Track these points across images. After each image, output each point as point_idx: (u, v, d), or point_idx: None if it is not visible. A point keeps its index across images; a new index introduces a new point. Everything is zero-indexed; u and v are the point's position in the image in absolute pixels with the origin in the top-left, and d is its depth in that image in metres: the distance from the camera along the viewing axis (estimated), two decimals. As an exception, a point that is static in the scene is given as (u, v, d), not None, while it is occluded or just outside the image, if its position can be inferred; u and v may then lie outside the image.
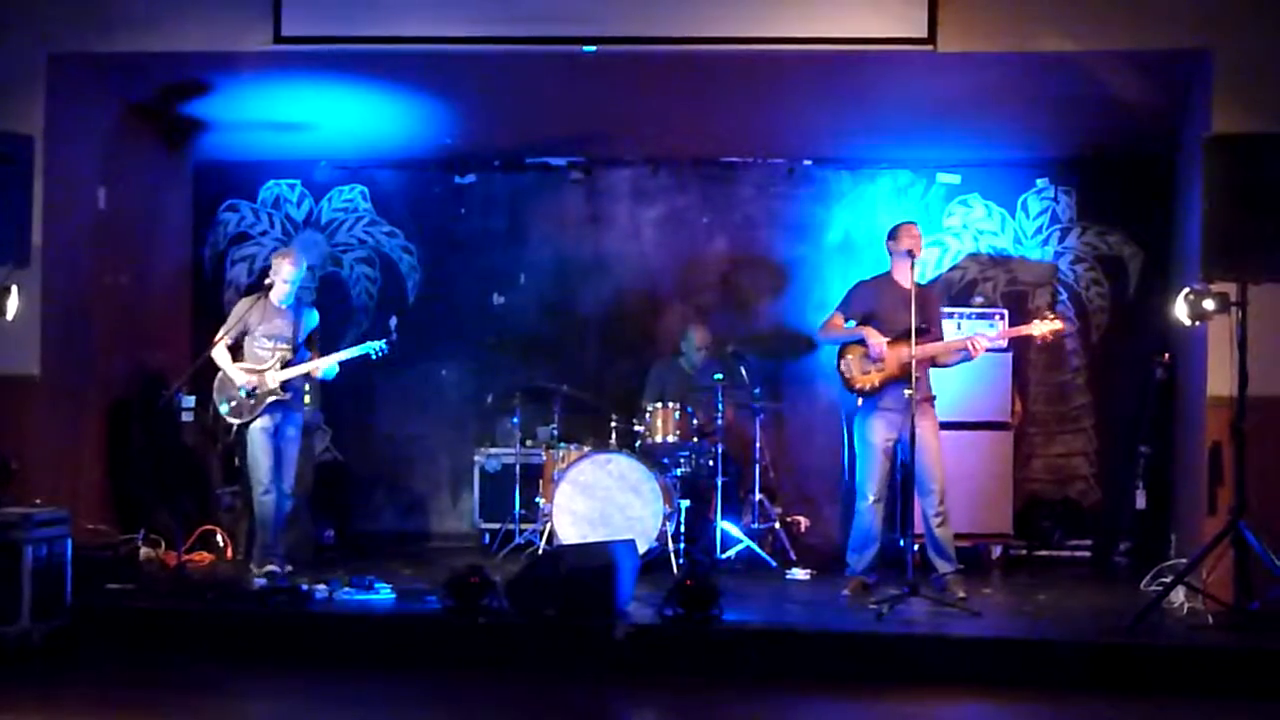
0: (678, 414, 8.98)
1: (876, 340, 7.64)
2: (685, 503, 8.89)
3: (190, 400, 9.23)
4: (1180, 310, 7.05)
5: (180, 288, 10.30)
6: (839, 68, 8.30)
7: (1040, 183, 10.24)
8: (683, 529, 8.83)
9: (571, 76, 8.69)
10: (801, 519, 9.83)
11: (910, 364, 7.44)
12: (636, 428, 9.06)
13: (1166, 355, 9.13)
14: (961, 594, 7.50)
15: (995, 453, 9.33)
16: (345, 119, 9.66)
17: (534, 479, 9.49)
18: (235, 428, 8.14)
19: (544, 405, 9.63)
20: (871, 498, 7.69)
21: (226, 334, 8.14)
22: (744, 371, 9.41)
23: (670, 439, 8.95)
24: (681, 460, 9.07)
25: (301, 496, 8.72)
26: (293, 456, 8.27)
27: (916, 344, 7.38)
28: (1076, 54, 7.81)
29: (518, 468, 9.56)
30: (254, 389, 8.03)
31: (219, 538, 8.91)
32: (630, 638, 6.67)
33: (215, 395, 8.16)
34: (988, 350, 7.94)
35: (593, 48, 7.95)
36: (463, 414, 10.53)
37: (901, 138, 9.72)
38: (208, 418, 8.47)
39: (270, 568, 7.97)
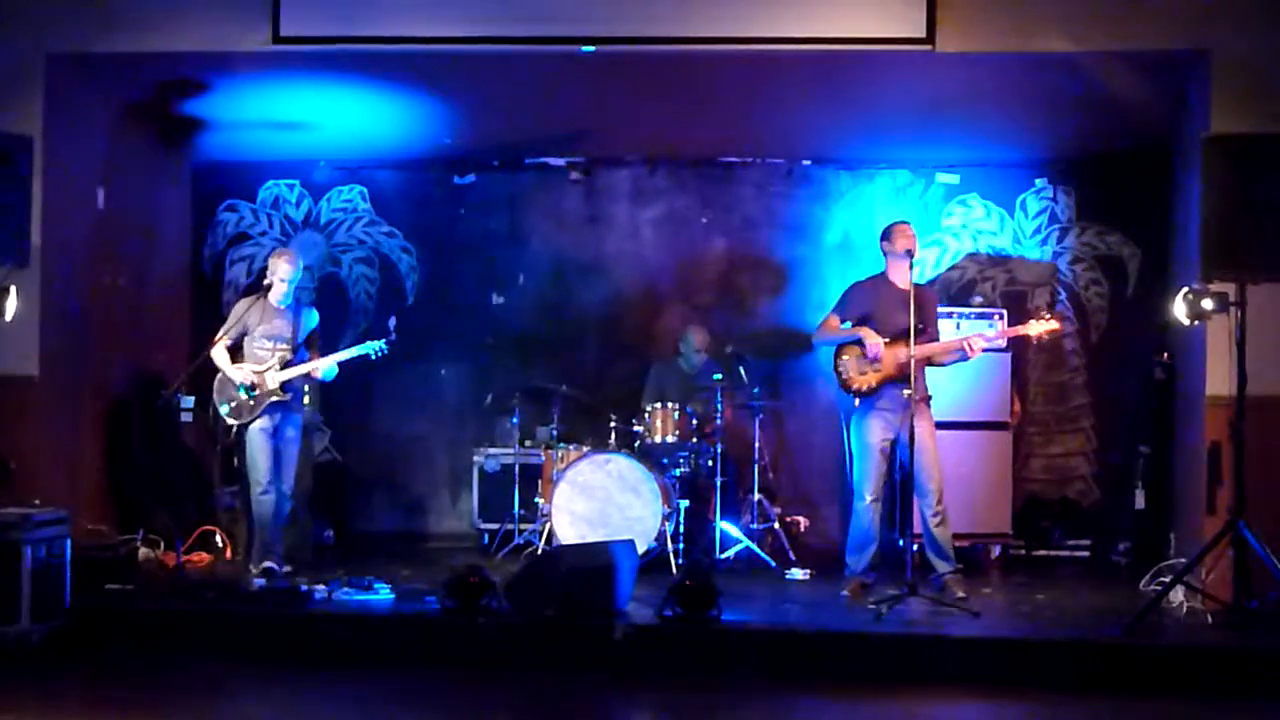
0: (677, 414, 8.99)
1: (874, 341, 7.64)
2: (684, 503, 8.90)
3: (189, 401, 9.23)
4: (1179, 310, 7.04)
5: (179, 288, 10.30)
6: (838, 68, 8.30)
7: (1039, 182, 10.25)
8: (682, 529, 8.84)
9: (570, 76, 8.69)
10: (800, 519, 9.85)
11: (906, 364, 7.46)
12: (636, 428, 9.06)
13: (1165, 355, 9.13)
14: (961, 594, 7.50)
15: (994, 452, 9.33)
16: (344, 119, 9.66)
17: (533, 479, 9.49)
18: (235, 428, 8.14)
19: (543, 405, 9.64)
20: (869, 498, 7.69)
21: (225, 335, 8.13)
22: (743, 372, 9.43)
23: (669, 439, 8.96)
24: (681, 460, 9.07)
25: (300, 497, 8.72)
26: (292, 457, 8.26)
27: (909, 343, 7.41)
28: (1075, 54, 7.81)
29: (517, 468, 9.56)
30: (253, 390, 8.03)
31: (218, 538, 8.91)
32: (629, 638, 6.68)
33: (215, 397, 8.16)
34: (984, 350, 7.94)
35: (591, 48, 7.94)
36: (462, 414, 10.54)
37: (900, 138, 9.73)
38: (207, 418, 8.46)
39: (267, 564, 7.97)
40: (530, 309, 10.57)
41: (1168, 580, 7.17)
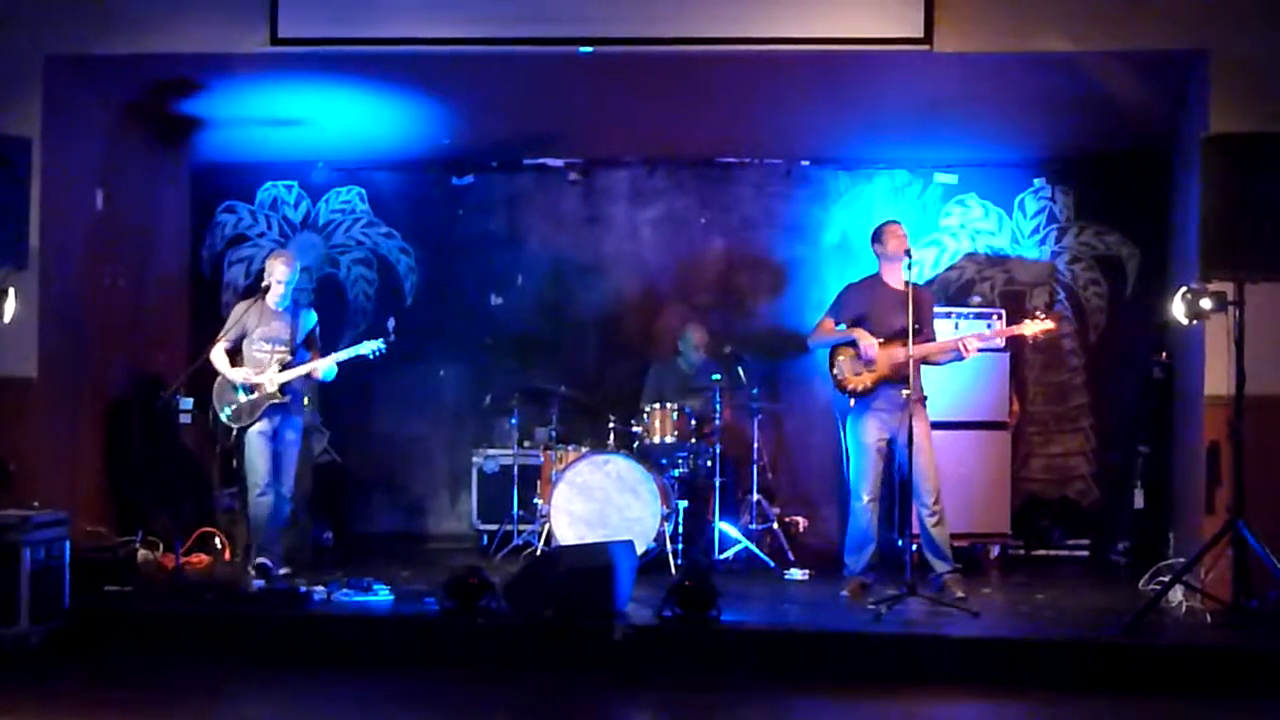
0: (676, 415, 8.99)
1: (868, 342, 7.65)
2: (683, 503, 8.90)
3: (188, 402, 9.22)
4: (1178, 309, 7.05)
5: (178, 289, 10.30)
6: (836, 68, 8.30)
7: (1037, 182, 10.25)
8: (681, 530, 8.85)
9: (568, 77, 8.69)
10: (799, 519, 9.85)
11: (901, 364, 7.48)
12: (634, 428, 9.07)
13: (1164, 354, 9.13)
14: (960, 594, 7.50)
15: (993, 452, 9.33)
16: (342, 120, 9.65)
17: (532, 480, 9.49)
18: (234, 431, 8.13)
19: (542, 406, 9.63)
20: (866, 498, 7.70)
21: (224, 337, 8.13)
22: (742, 372, 9.43)
23: (668, 440, 8.96)
24: (679, 461, 9.07)
25: (300, 498, 8.71)
26: (292, 460, 8.26)
27: (904, 343, 7.42)
28: (1073, 54, 7.81)
29: (516, 469, 9.56)
30: (253, 392, 8.03)
31: (217, 540, 8.90)
32: (628, 638, 6.68)
33: (215, 401, 8.16)
34: (980, 350, 7.94)
35: (589, 48, 7.94)
36: (461, 415, 10.55)
37: (898, 138, 9.73)
38: (206, 420, 8.46)
39: (261, 560, 7.96)
40: (529, 310, 10.57)
41: (1167, 580, 7.18)
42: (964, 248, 10.29)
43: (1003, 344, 9.17)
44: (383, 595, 7.49)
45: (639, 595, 7.31)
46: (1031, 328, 7.71)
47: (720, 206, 10.55)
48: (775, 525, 9.34)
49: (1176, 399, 8.84)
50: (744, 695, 6.29)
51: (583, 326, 10.52)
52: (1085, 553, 9.92)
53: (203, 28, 8.05)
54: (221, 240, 10.72)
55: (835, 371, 7.82)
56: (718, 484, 9.00)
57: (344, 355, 8.16)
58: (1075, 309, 10.17)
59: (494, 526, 9.63)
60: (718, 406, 9.00)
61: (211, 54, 8.15)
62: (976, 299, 9.94)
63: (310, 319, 8.32)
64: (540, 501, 9.13)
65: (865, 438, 7.72)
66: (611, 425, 9.12)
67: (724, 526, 8.99)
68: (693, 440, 9.04)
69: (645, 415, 9.04)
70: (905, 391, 7.41)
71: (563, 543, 8.34)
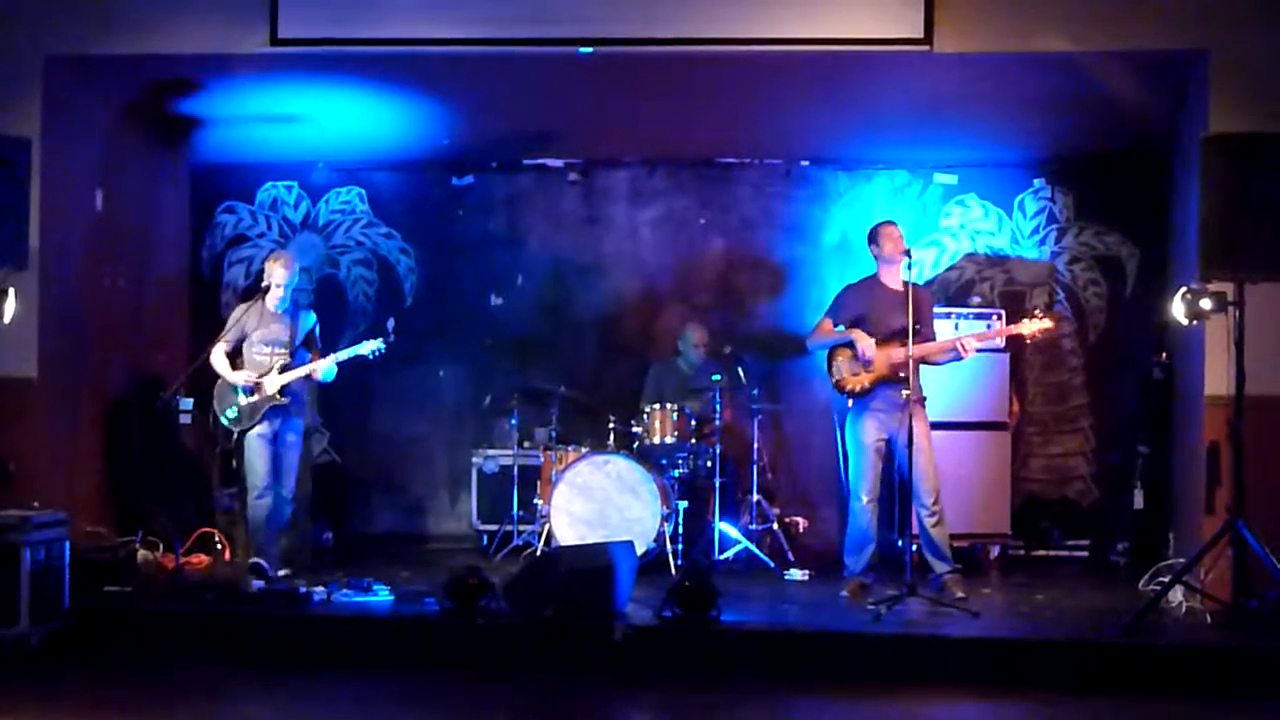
0: (675, 415, 8.99)
1: (865, 343, 7.65)
2: (683, 504, 8.90)
3: (188, 402, 9.22)
4: (1177, 310, 7.05)
5: (178, 290, 10.30)
6: (835, 68, 8.30)
7: (1037, 183, 10.25)
8: (681, 530, 8.85)
9: (568, 78, 8.69)
10: (799, 520, 9.85)
11: (899, 364, 7.50)
12: (634, 429, 9.07)
13: (1164, 355, 9.13)
14: (960, 594, 7.50)
15: (993, 453, 9.32)
16: (342, 121, 9.65)
17: (532, 480, 9.49)
18: (235, 434, 8.12)
19: (542, 406, 9.63)
20: (865, 498, 7.70)
21: (224, 340, 8.13)
22: (742, 372, 9.43)
23: (668, 440, 8.96)
24: (679, 461, 9.07)
25: (300, 500, 8.71)
26: (293, 462, 8.25)
27: (902, 344, 7.43)
28: (1073, 54, 7.81)
29: (515, 469, 9.55)
30: (253, 395, 8.02)
31: (217, 540, 8.89)
32: (628, 639, 6.68)
33: (215, 403, 8.15)
34: (978, 350, 7.94)
35: (589, 49, 7.94)
36: (460, 415, 10.55)
37: (898, 138, 9.73)
38: (206, 421, 8.46)
39: (254, 560, 7.95)
40: (529, 310, 10.57)
41: (1167, 580, 7.18)
42: (964, 248, 10.29)
43: (1002, 344, 9.18)
44: (382, 596, 7.50)
45: (639, 595, 7.31)
46: (1029, 327, 7.70)
47: (720, 207, 10.55)
48: (775, 526, 9.34)
49: (1176, 399, 8.84)
50: (744, 695, 6.29)
51: (582, 327, 10.52)
52: (1085, 553, 9.92)
53: (203, 28, 8.05)
54: (221, 241, 10.72)
55: (833, 372, 7.84)
56: (718, 484, 9.00)
57: (343, 356, 8.17)
58: (1075, 309, 10.17)
59: (494, 527, 9.63)
60: (717, 407, 9.00)
61: (211, 54, 8.15)
62: (976, 299, 9.94)
63: (309, 320, 8.32)
64: (540, 502, 9.12)
65: (864, 438, 7.73)
66: (611, 425, 9.12)
67: (724, 527, 8.99)
68: (693, 441, 9.04)
69: (645, 416, 9.04)
70: (904, 392, 7.42)
71: (563, 543, 8.34)
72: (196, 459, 9.39)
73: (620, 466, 8.55)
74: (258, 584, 7.69)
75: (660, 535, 8.51)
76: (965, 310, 9.57)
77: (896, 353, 7.56)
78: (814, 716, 6.22)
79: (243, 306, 8.27)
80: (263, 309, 8.17)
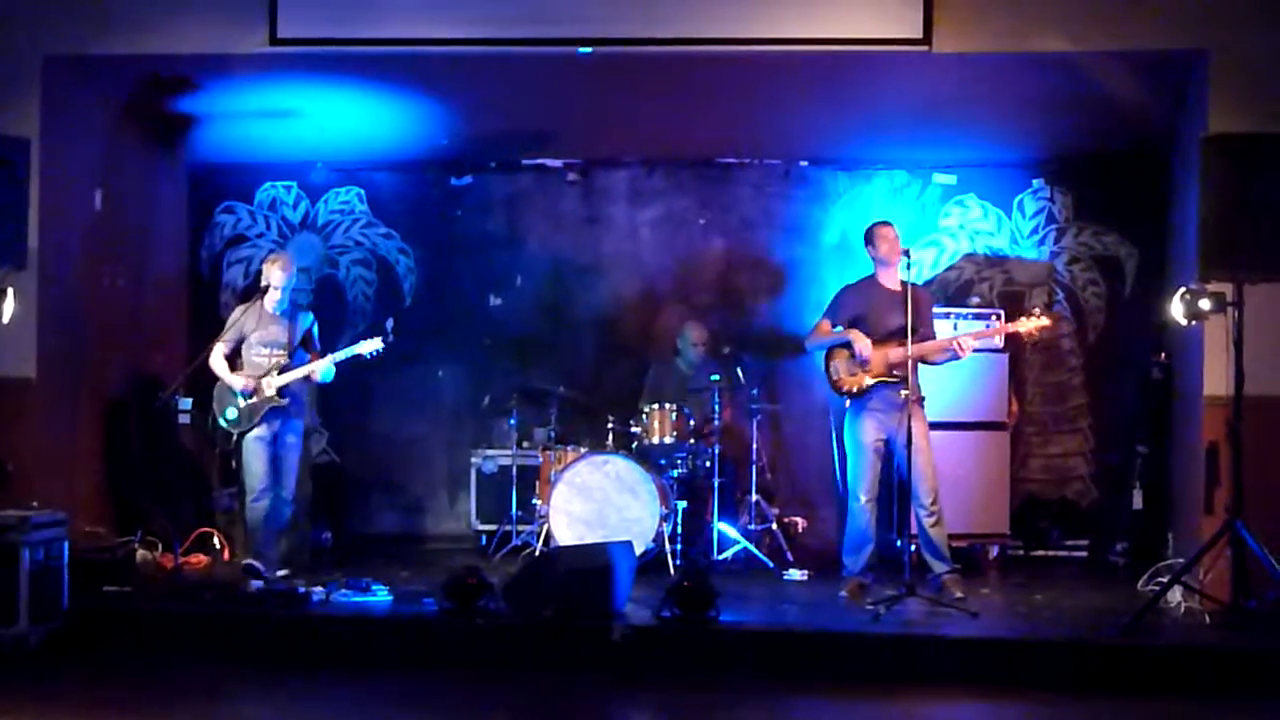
0: (674, 415, 8.99)
1: (862, 343, 7.66)
2: (682, 504, 8.90)
3: (187, 403, 9.21)
4: (1176, 310, 7.05)
5: (177, 290, 10.30)
6: (835, 68, 8.31)
7: (1036, 183, 10.24)
8: (680, 530, 8.84)
9: (568, 78, 8.69)
10: (798, 520, 9.84)
11: (896, 364, 7.51)
12: (633, 429, 9.06)
13: (1163, 355, 9.13)
14: (958, 594, 7.51)
15: (992, 453, 9.32)
16: (341, 121, 9.65)
17: (531, 480, 9.48)
18: (234, 436, 8.12)
19: (541, 407, 9.63)
20: (864, 498, 7.70)
21: (222, 341, 8.13)
22: (741, 372, 9.43)
23: (667, 440, 8.95)
24: (678, 461, 9.07)
25: (300, 500, 8.70)
26: (293, 464, 8.24)
27: (900, 343, 7.42)
28: (1072, 54, 7.81)
29: (514, 469, 9.55)
30: (252, 397, 8.01)
31: (216, 540, 8.91)
32: (627, 639, 6.68)
33: (215, 405, 8.14)
34: (976, 350, 7.95)
35: (588, 49, 7.94)
36: (459, 415, 10.54)
37: (897, 138, 9.73)
38: (206, 425, 8.46)
39: (249, 562, 7.94)
40: (528, 310, 10.56)
41: (1166, 580, 7.18)
42: (963, 248, 10.28)
43: (1001, 344, 9.18)
44: (381, 596, 7.50)
45: (638, 596, 7.31)
46: (1027, 325, 7.69)
47: (719, 207, 10.54)
48: (774, 526, 9.34)
49: (1175, 399, 8.84)
50: (743, 695, 6.29)
51: (581, 327, 10.51)
52: (1084, 553, 9.91)
53: (201, 28, 8.06)
54: (220, 240, 10.71)
55: (831, 373, 7.85)
56: (716, 484, 9.00)
57: (341, 356, 8.16)
58: (1074, 309, 10.16)
59: (493, 527, 9.63)
60: (716, 407, 8.99)
61: (210, 54, 8.16)
62: (975, 300, 9.93)
63: (307, 321, 8.31)
64: (539, 502, 9.11)
65: (862, 438, 7.73)
66: (610, 426, 9.11)
67: (723, 527, 8.99)
68: (692, 441, 9.04)
69: (644, 416, 9.04)
70: (903, 392, 7.42)
71: (561, 543, 8.33)
72: (195, 459, 9.40)
73: (619, 466, 8.55)
74: (256, 584, 7.70)
75: (659, 535, 8.51)
76: (964, 310, 9.56)
77: (894, 352, 7.57)
78: (813, 716, 6.22)
79: (241, 308, 8.26)
80: (261, 310, 8.16)
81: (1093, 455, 10.13)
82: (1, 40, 8.09)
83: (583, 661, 6.67)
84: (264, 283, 8.15)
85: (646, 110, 9.33)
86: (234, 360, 8.20)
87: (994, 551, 9.40)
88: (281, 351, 8.11)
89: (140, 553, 8.37)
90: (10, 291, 7.20)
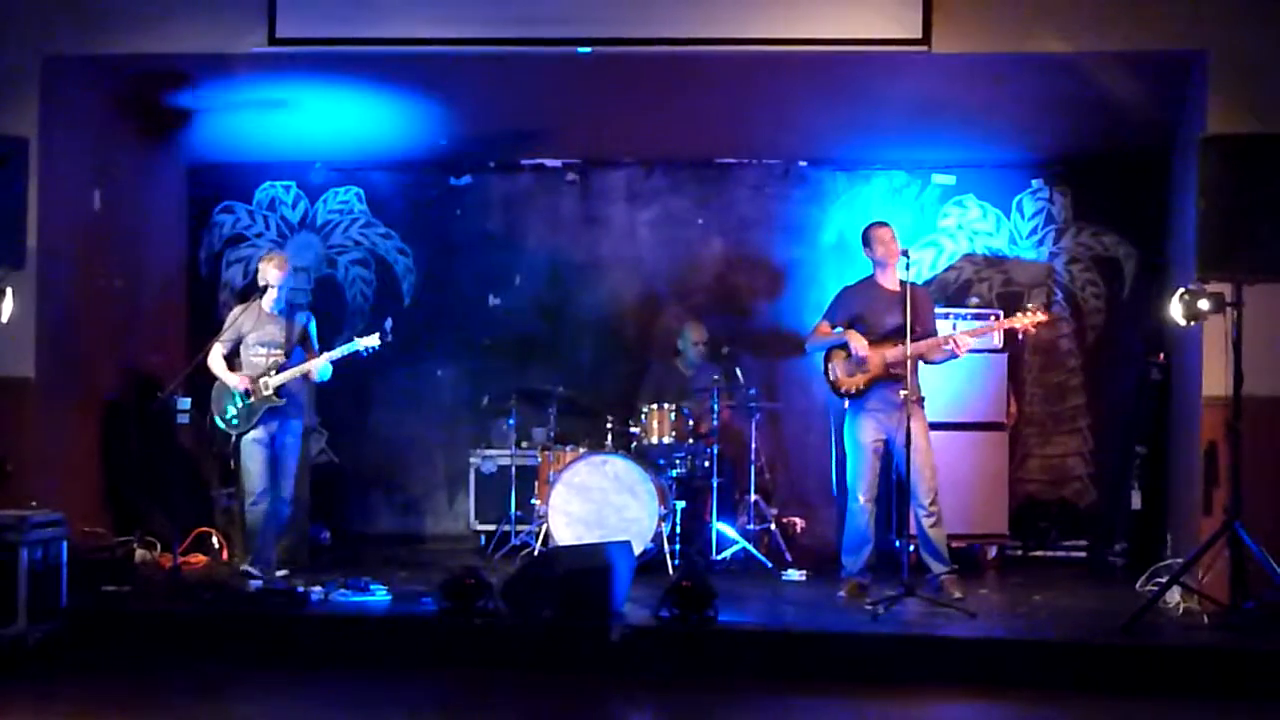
0: (673, 415, 8.99)
1: (857, 343, 7.66)
2: (681, 504, 8.90)
3: (186, 402, 9.20)
4: (1175, 310, 7.05)
5: (175, 290, 10.30)
6: (834, 69, 8.31)
7: (1035, 183, 10.25)
8: (678, 530, 8.84)
9: (567, 78, 8.69)
10: (797, 520, 9.84)
11: (894, 364, 7.50)
12: (632, 429, 9.06)
13: (1162, 355, 9.12)
14: (957, 594, 7.51)
15: (991, 453, 9.31)
16: (340, 120, 9.65)
17: (530, 480, 9.49)
18: (233, 437, 8.11)
19: (539, 407, 9.63)
20: (863, 498, 7.70)
21: (221, 341, 8.12)
22: (739, 372, 9.43)
23: (666, 440, 8.95)
24: (677, 461, 9.07)
25: (298, 499, 8.70)
26: (291, 465, 8.23)
27: (898, 343, 7.43)
28: (1072, 55, 7.82)
29: (513, 469, 9.56)
30: (249, 397, 8.01)
31: (214, 540, 8.91)
32: (626, 639, 6.68)
33: (213, 406, 8.14)
34: (975, 350, 7.94)
35: (588, 49, 7.95)
36: (458, 415, 10.54)
37: (896, 138, 9.73)
38: (204, 424, 8.45)
39: (245, 568, 7.92)
40: (527, 310, 10.57)
41: (1164, 581, 7.18)
42: (962, 249, 10.28)
43: (1000, 344, 9.18)
44: (380, 596, 7.49)
45: (636, 596, 7.30)
46: (1023, 320, 7.68)
47: (718, 207, 10.54)
48: (773, 526, 9.34)
49: (1174, 400, 8.84)
50: (741, 695, 6.30)
51: (580, 327, 10.52)
52: (1082, 554, 9.92)
53: (200, 28, 8.07)
54: (219, 240, 10.71)
55: (829, 374, 7.85)
56: (715, 484, 8.99)
57: (338, 354, 8.13)
58: (1073, 310, 10.16)
59: (491, 527, 9.64)
60: (715, 407, 9.00)
61: (210, 54, 8.16)
62: (974, 300, 9.93)
63: (305, 320, 8.30)
64: (538, 502, 9.12)
65: (861, 438, 7.73)
66: (609, 426, 9.12)
67: (721, 527, 8.99)
68: (690, 441, 9.04)
69: (643, 416, 9.04)
70: (902, 392, 7.42)
71: (560, 543, 8.33)
72: (194, 459, 9.39)
73: (618, 466, 8.55)
74: (256, 584, 7.70)
75: (658, 535, 8.51)
76: (963, 311, 9.55)
77: (891, 352, 7.57)
78: (811, 716, 6.21)
79: (239, 308, 8.26)
80: (259, 310, 8.16)
81: (1091, 456, 10.14)
82: (1, 40, 8.09)
83: (581, 661, 6.67)
84: (261, 282, 8.15)
85: (646, 110, 9.33)
86: (232, 360, 8.19)
87: (992, 552, 9.40)
88: (279, 351, 8.10)
89: (139, 552, 8.38)
90: (9, 291, 7.19)
